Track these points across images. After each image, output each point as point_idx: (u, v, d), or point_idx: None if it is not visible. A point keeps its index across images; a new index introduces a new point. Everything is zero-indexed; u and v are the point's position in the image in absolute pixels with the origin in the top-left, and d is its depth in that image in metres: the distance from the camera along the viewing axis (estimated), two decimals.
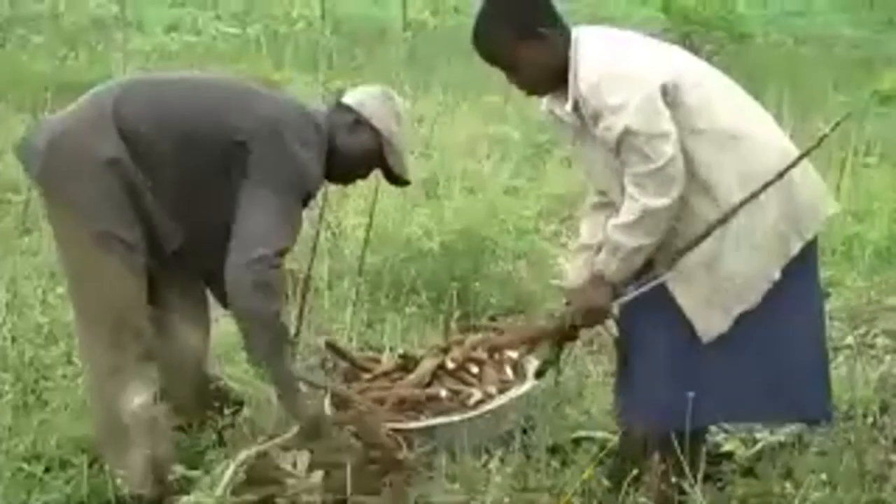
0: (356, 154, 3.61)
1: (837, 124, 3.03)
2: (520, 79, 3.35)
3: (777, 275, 3.20)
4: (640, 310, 3.32)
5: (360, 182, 3.88)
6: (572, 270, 3.66)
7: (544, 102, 3.46)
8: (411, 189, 6.41)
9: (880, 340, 5.12)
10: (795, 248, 3.23)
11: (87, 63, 11.20)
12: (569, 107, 3.24)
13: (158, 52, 11.55)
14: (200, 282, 3.71)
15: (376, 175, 3.84)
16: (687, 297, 3.24)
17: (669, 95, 3.12)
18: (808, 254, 3.29)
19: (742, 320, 3.23)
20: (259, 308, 3.30)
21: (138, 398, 3.34)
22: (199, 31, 13.46)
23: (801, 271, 3.26)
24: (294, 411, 3.49)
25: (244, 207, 3.33)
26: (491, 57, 3.32)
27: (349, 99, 3.64)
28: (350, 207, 6.20)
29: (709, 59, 12.34)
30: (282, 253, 3.34)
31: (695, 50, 12.39)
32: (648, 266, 3.28)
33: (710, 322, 3.23)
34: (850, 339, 5.14)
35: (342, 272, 5.43)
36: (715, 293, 3.21)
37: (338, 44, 12.87)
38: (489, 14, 3.26)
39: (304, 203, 3.52)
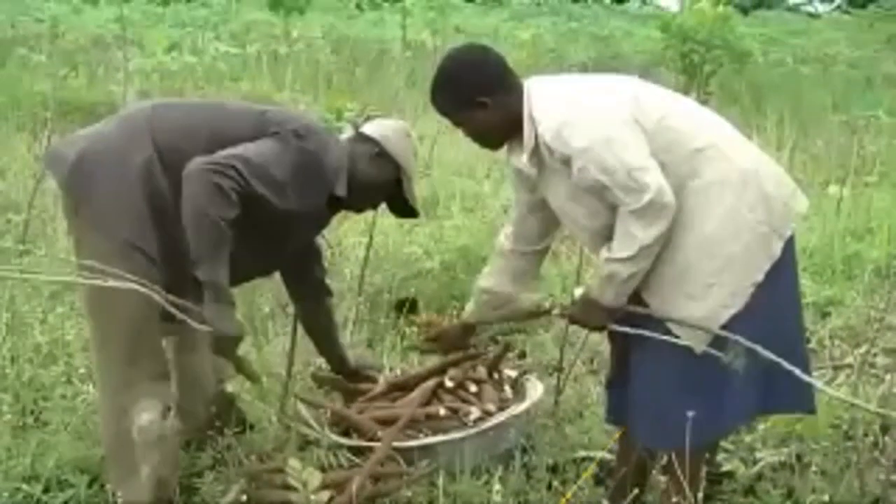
0: (375, 183, 3.71)
1: None
2: (471, 138, 3.51)
3: (761, 277, 3.23)
4: (636, 337, 3.35)
5: None
6: (469, 307, 3.93)
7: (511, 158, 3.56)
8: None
9: (881, 359, 5.11)
10: (777, 248, 3.26)
11: (88, 82, 11.23)
12: (525, 158, 3.35)
13: (159, 71, 11.56)
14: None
15: None
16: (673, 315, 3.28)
17: (630, 120, 3.20)
18: (786, 251, 3.31)
19: (733, 323, 3.23)
20: (201, 205, 3.21)
21: (147, 415, 3.32)
22: (199, 52, 13.49)
23: (780, 269, 3.28)
24: (212, 319, 3.31)
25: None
26: (445, 117, 3.51)
27: (371, 131, 3.71)
28: (350, 227, 6.20)
29: (708, 79, 12.31)
30: (244, 170, 3.24)
31: (694, 69, 12.45)
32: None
33: (697, 335, 3.23)
34: (850, 359, 5.13)
35: (342, 292, 5.43)
36: (695, 305, 3.23)
37: (338, 64, 12.92)
38: (437, 82, 3.44)
39: (313, 207, 3.54)
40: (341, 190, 3.58)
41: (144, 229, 3.33)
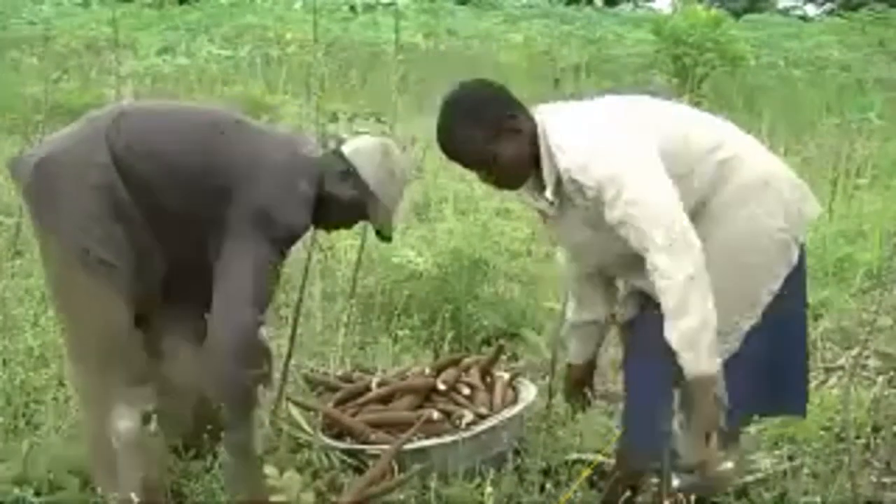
0: (342, 203, 3.52)
1: None
2: (497, 176, 3.29)
3: (778, 285, 3.20)
4: (643, 359, 3.30)
5: None
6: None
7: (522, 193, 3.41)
8: (404, 211, 6.44)
9: (872, 362, 5.12)
10: (795, 255, 3.24)
11: (80, 85, 11.22)
12: (549, 193, 3.20)
13: (151, 74, 11.57)
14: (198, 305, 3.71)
15: None
16: None
17: (654, 150, 3.11)
18: (801, 258, 3.29)
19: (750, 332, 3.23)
20: (234, 376, 3.25)
21: (125, 422, 3.31)
22: (191, 54, 13.48)
23: (795, 276, 3.28)
24: (238, 483, 3.38)
25: (226, 261, 3.29)
26: (465, 159, 3.28)
27: (346, 147, 3.54)
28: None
29: (700, 82, 12.30)
30: (262, 310, 3.31)
31: (686, 72, 12.49)
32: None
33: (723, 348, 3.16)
34: (842, 361, 5.15)
35: (334, 294, 5.43)
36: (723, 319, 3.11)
37: (331, 67, 12.91)
38: (455, 117, 3.20)
39: (287, 249, 3.45)
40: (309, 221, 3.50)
41: (106, 237, 3.27)
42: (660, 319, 3.05)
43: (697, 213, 3.17)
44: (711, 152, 3.21)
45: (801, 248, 3.29)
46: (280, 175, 3.38)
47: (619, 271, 3.39)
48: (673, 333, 3.00)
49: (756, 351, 3.23)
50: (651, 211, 2.99)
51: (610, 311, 3.60)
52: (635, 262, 3.12)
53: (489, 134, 3.16)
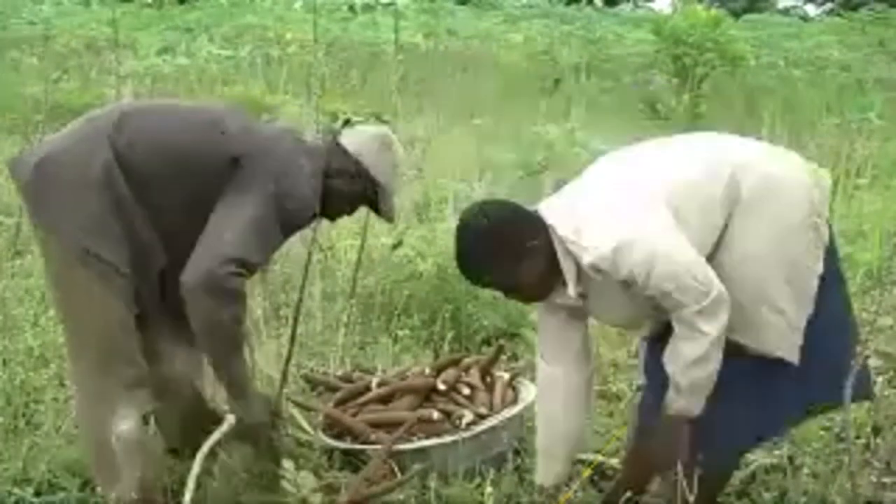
0: (350, 199, 3.62)
1: None
2: (525, 296, 3.37)
3: (821, 267, 3.17)
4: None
5: None
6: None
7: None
8: (404, 211, 6.44)
9: (873, 362, 5.11)
10: (825, 232, 3.20)
11: (80, 85, 11.22)
12: (571, 290, 3.19)
13: (151, 74, 11.57)
14: None
15: None
16: (765, 342, 3.20)
17: (667, 213, 3.08)
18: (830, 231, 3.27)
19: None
20: (210, 312, 3.22)
21: (124, 423, 3.31)
22: (191, 54, 13.48)
23: (829, 252, 3.24)
24: (241, 415, 3.43)
25: (218, 212, 3.30)
26: (488, 286, 3.36)
27: (349, 144, 3.57)
28: (342, 229, 6.20)
29: (700, 82, 12.26)
30: (245, 263, 3.25)
31: (686, 71, 12.48)
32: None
33: (793, 347, 3.19)
34: None
35: (334, 294, 5.43)
36: (789, 320, 3.18)
37: (331, 67, 12.92)
38: (476, 246, 3.19)
39: (288, 230, 3.47)
40: (317, 208, 3.52)
41: (107, 237, 3.28)
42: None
43: (723, 243, 3.15)
44: (718, 180, 3.14)
45: (828, 224, 3.24)
46: (288, 157, 3.43)
47: (650, 320, 3.35)
48: (685, 377, 3.10)
49: (810, 340, 3.21)
50: (683, 282, 3.00)
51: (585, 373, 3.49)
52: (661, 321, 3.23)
53: (512, 262, 3.16)
